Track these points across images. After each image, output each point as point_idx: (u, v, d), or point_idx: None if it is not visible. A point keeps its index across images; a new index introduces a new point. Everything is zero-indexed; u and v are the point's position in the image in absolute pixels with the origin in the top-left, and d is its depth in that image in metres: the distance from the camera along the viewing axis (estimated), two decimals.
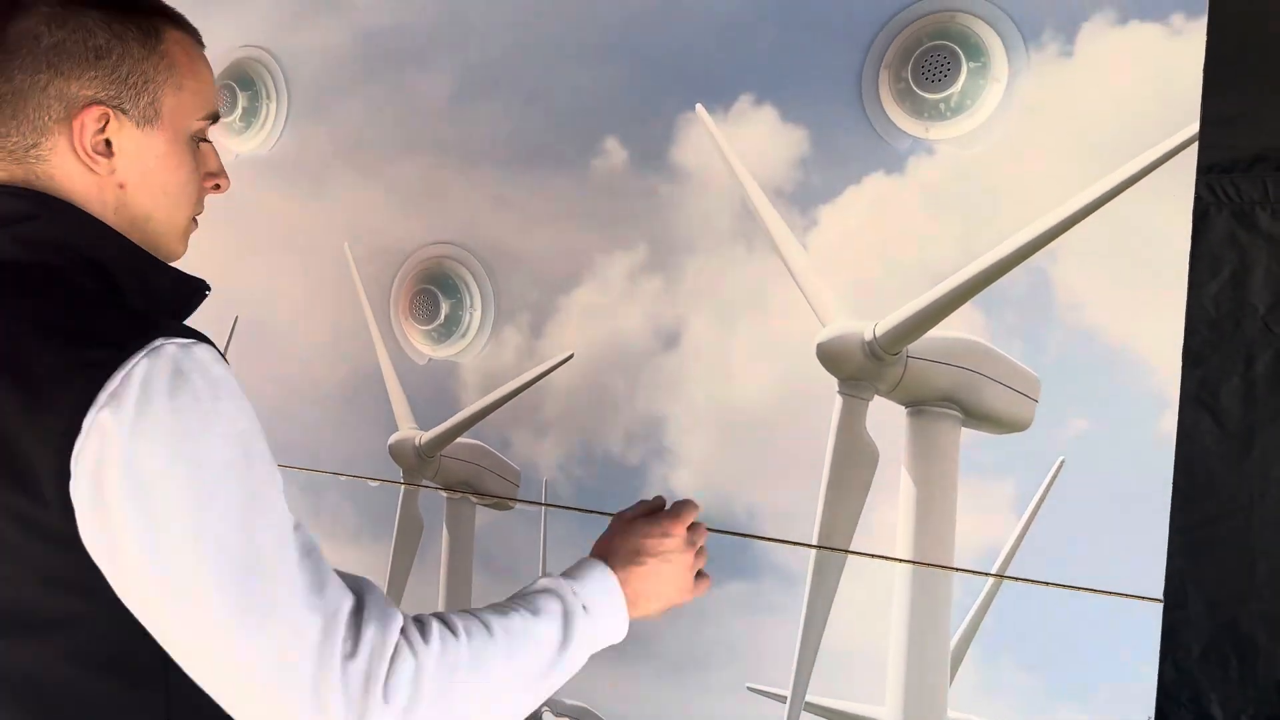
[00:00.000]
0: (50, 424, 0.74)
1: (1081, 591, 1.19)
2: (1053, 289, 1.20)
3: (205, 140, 0.95)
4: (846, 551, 1.31)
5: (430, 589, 1.60)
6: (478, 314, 1.54)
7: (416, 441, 1.60)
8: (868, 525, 1.29)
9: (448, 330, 1.55)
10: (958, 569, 1.25)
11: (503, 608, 0.89)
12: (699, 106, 1.38)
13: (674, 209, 1.40)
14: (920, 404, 1.26)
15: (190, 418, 0.75)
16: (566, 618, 0.90)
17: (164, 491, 0.73)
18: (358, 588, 0.80)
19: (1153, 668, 1.17)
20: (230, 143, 1.72)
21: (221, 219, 1.50)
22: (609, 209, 1.44)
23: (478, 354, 1.54)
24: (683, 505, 1.04)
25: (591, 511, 1.47)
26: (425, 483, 1.59)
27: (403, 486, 1.62)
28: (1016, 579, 1.22)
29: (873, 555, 1.29)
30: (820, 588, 1.32)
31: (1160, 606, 1.16)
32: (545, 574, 0.96)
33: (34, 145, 0.85)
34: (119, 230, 0.88)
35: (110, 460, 0.73)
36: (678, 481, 1.41)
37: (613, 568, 0.97)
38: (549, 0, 1.47)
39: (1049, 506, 1.21)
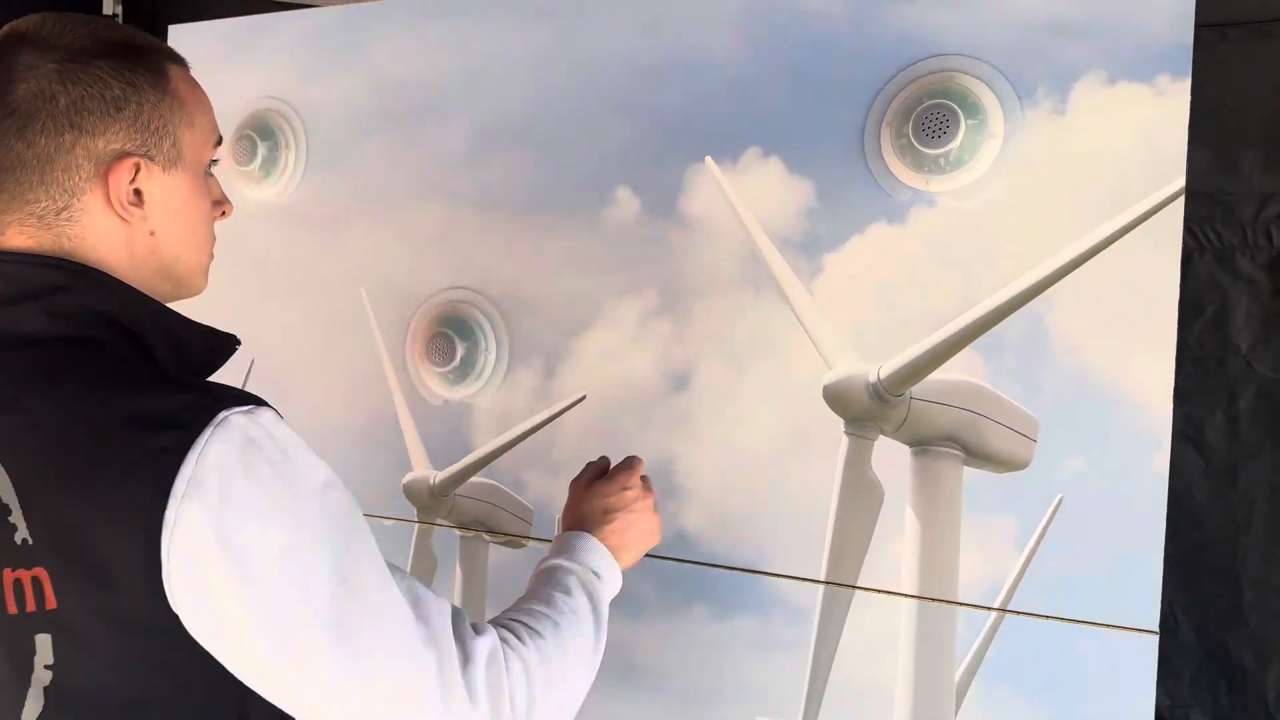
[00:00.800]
0: (129, 519, 0.74)
1: (1080, 624, 1.24)
2: (1049, 334, 1.26)
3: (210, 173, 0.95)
4: (854, 587, 1.35)
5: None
6: (492, 356, 1.58)
7: (431, 481, 1.64)
8: (874, 561, 1.34)
9: (463, 372, 1.59)
10: (961, 603, 1.30)
11: (540, 595, 0.95)
12: (708, 159, 1.44)
13: (684, 256, 1.45)
14: (924, 444, 1.32)
15: (272, 487, 0.77)
16: (587, 586, 0.97)
17: (264, 567, 0.75)
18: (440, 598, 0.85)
19: (1150, 698, 1.21)
20: (250, 191, 1.77)
21: (239, 264, 1.56)
22: (621, 256, 1.50)
23: (492, 395, 1.59)
24: (630, 460, 1.13)
25: None
26: (440, 521, 1.64)
27: (417, 525, 1.66)
28: (1018, 613, 1.27)
29: (879, 590, 1.34)
30: (828, 622, 1.37)
31: (1155, 639, 1.21)
32: (541, 562, 1.02)
33: (65, 208, 0.84)
34: (149, 278, 0.88)
35: (206, 550, 0.74)
36: (689, 518, 1.46)
37: (590, 532, 1.03)
38: (563, 56, 1.53)
39: (1048, 543, 1.26)
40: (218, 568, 0.75)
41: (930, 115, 1.30)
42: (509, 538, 1.58)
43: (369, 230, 1.68)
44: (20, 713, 0.80)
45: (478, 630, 0.84)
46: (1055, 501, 1.25)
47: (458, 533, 1.62)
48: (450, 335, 1.60)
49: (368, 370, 1.68)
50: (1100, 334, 1.24)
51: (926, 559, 1.32)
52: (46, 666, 0.79)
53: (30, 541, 0.78)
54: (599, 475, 1.13)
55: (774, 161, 1.40)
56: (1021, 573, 1.27)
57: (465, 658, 0.81)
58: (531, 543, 1.57)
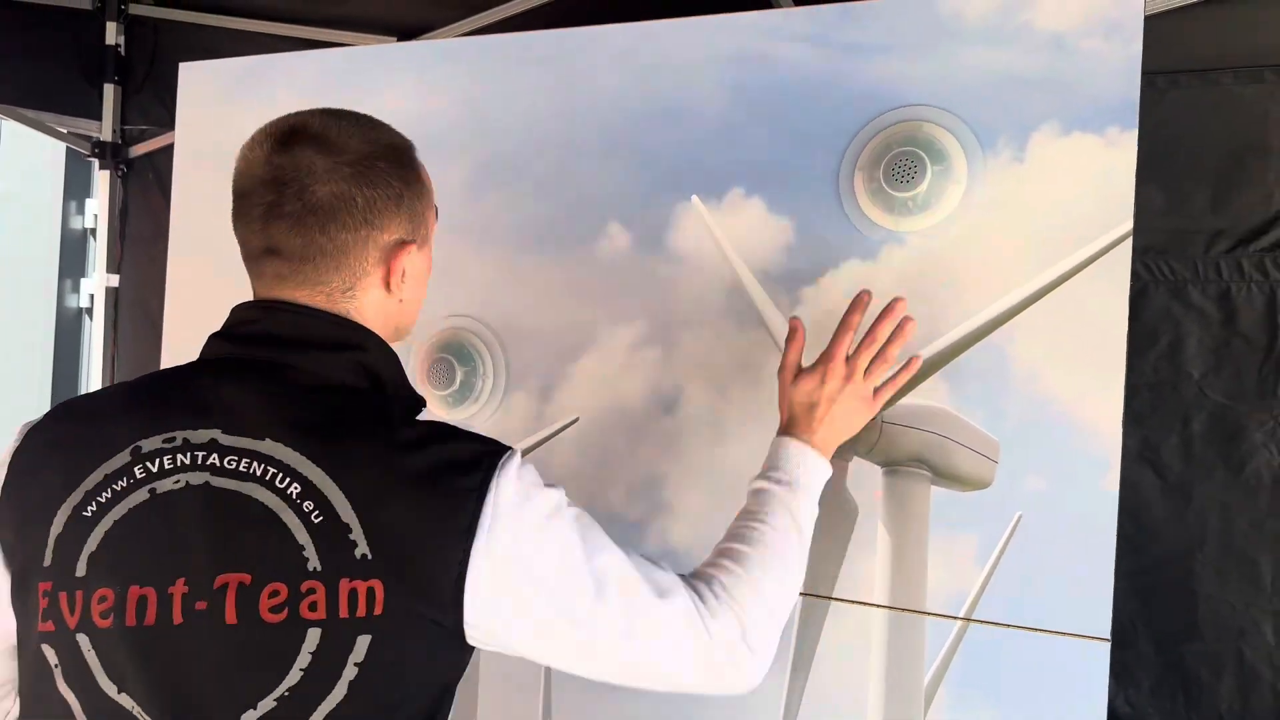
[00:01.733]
0: (448, 543, 0.93)
1: (1039, 632, 1.34)
2: (1009, 363, 1.36)
3: None
4: (830, 598, 1.45)
5: None
6: (490, 381, 1.68)
7: None
8: (849, 574, 1.44)
9: (462, 395, 1.69)
10: (929, 613, 1.40)
11: (744, 531, 1.15)
12: (695, 198, 1.54)
13: (672, 287, 1.55)
14: (894, 464, 1.42)
15: (540, 510, 0.98)
16: (784, 501, 1.17)
17: (543, 576, 0.96)
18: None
19: (1103, 701, 1.31)
20: None
21: (248, 292, 1.65)
22: (613, 287, 1.59)
23: (490, 417, 1.68)
24: (831, 349, 1.25)
25: None
26: None
27: None
28: (982, 621, 1.37)
29: (854, 601, 1.44)
30: (806, 631, 1.46)
31: (1107, 646, 1.30)
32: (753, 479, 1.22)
33: (350, 288, 1.01)
34: (384, 332, 1.04)
35: (508, 565, 0.94)
36: (675, 533, 1.55)
37: (798, 433, 1.20)
38: (561, 100, 1.63)
39: (1009, 557, 1.36)
40: (519, 578, 0.95)
41: (899, 161, 1.41)
42: None
43: None
44: (322, 702, 0.92)
45: (710, 581, 1.08)
46: (1015, 518, 1.36)
47: None
48: (450, 360, 1.69)
49: None
50: (1056, 363, 1.35)
51: (897, 572, 1.41)
52: (356, 664, 0.91)
53: (369, 556, 0.92)
54: (805, 370, 1.26)
55: (756, 201, 1.50)
56: (984, 584, 1.36)
57: (705, 612, 1.03)
58: None
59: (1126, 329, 1.32)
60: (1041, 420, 1.35)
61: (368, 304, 1.02)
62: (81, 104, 2.96)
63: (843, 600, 1.44)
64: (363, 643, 0.91)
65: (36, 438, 1.02)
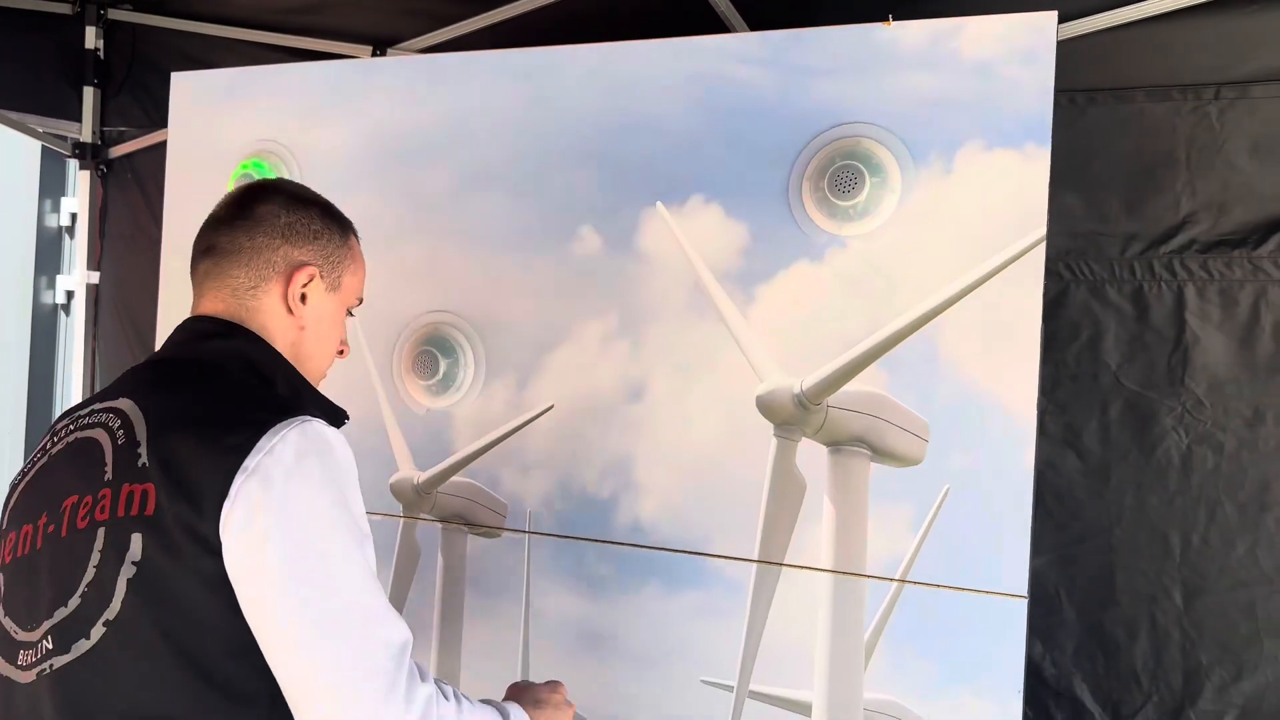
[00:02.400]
0: (215, 475, 1.02)
1: (966, 591, 1.51)
2: (938, 353, 1.53)
3: (349, 317, 1.29)
4: (781, 564, 1.61)
5: (427, 609, 1.86)
6: (471, 371, 1.82)
7: (415, 480, 1.87)
8: (798, 542, 1.60)
9: (445, 384, 1.83)
10: (869, 575, 1.56)
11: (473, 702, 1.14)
12: (659, 204, 1.69)
13: (639, 285, 1.71)
14: (838, 444, 1.58)
15: (311, 476, 1.03)
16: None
17: (294, 534, 1.02)
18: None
19: (1021, 650, 1.48)
20: None
21: None
22: (585, 285, 1.74)
23: (471, 405, 1.82)
24: (557, 684, 1.33)
25: (569, 537, 1.75)
26: (423, 516, 1.86)
27: (402, 520, 1.88)
28: (915, 583, 1.54)
29: (802, 567, 1.60)
30: (760, 594, 1.62)
31: (1025, 602, 1.48)
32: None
33: (254, 287, 1.18)
34: (293, 362, 1.19)
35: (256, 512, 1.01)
36: (643, 509, 1.70)
37: (525, 708, 1.22)
38: (538, 113, 1.77)
39: (939, 525, 1.53)
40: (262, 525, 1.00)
41: (842, 173, 1.57)
42: (485, 529, 1.82)
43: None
44: (113, 598, 1.03)
45: (425, 671, 1.06)
46: (944, 491, 1.53)
47: (439, 526, 1.85)
48: (434, 352, 1.83)
49: (358, 383, 1.90)
50: (980, 353, 1.52)
51: (840, 540, 1.58)
52: (134, 563, 1.02)
53: (146, 465, 1.04)
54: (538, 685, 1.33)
55: (714, 207, 1.66)
56: (917, 550, 1.53)
57: (412, 676, 1.03)
58: (506, 533, 1.80)
59: (1040, 323, 1.49)
60: (967, 404, 1.52)
61: (267, 311, 1.19)
62: (61, 106, 3.05)
63: (792, 566, 1.61)
64: (136, 540, 1.02)
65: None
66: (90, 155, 3.06)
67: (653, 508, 1.70)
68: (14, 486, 1.18)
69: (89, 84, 3.05)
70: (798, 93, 1.61)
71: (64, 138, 3.10)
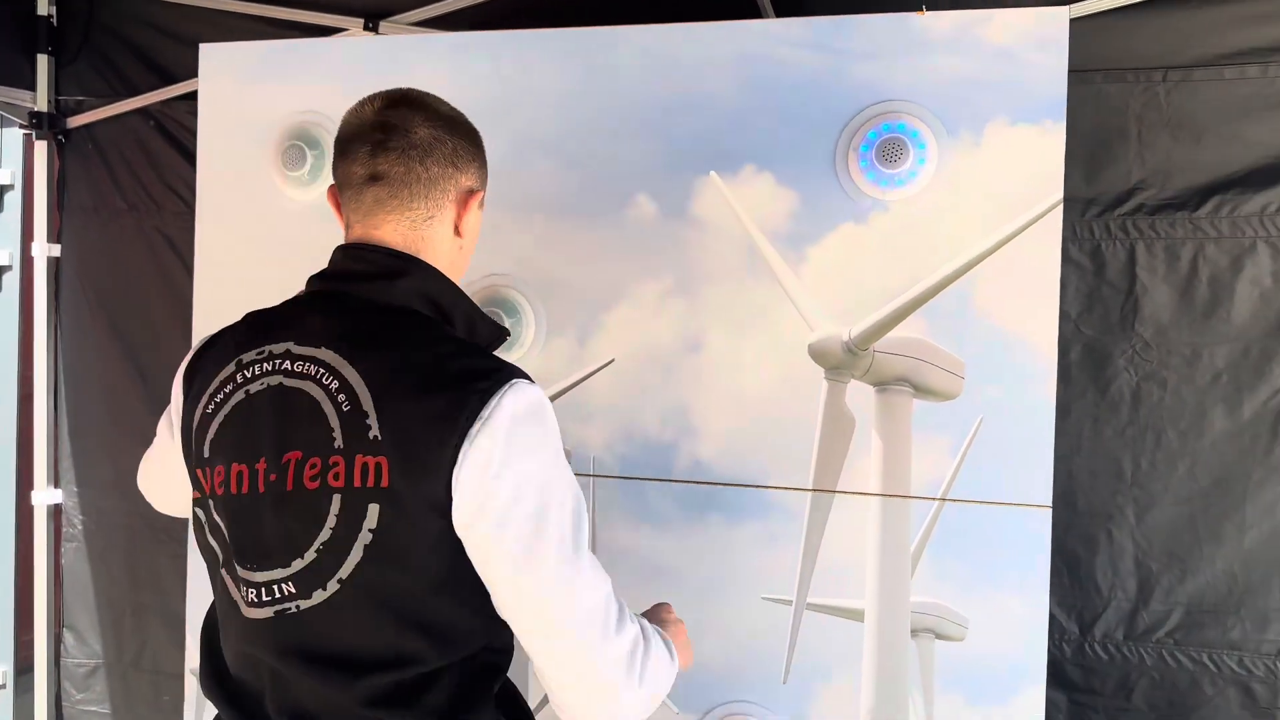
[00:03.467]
0: (447, 435, 1.11)
1: (999, 505, 1.76)
2: (971, 301, 1.77)
3: None
4: (834, 491, 1.83)
5: None
6: (533, 329, 1.96)
7: None
8: (849, 471, 1.82)
9: (509, 343, 1.96)
10: (913, 496, 1.79)
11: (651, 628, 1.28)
12: (713, 173, 1.87)
13: (694, 248, 1.88)
14: (884, 384, 1.80)
15: (531, 433, 1.14)
16: (669, 647, 1.31)
17: (527, 487, 1.13)
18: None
19: (1047, 546, 1.74)
20: (297, 194, 2.06)
21: (294, 255, 1.93)
22: (641, 247, 1.90)
23: (534, 360, 1.96)
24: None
25: (633, 478, 1.92)
26: None
27: None
28: (954, 500, 1.78)
29: (854, 492, 1.82)
30: (815, 519, 1.83)
31: (1049, 511, 1.74)
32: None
33: (431, 217, 1.24)
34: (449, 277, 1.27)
35: (488, 466, 1.11)
36: (702, 450, 1.89)
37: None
38: (592, 89, 1.91)
39: (973, 450, 1.77)
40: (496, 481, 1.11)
41: (889, 144, 1.78)
42: None
43: None
44: (348, 557, 1.14)
45: (628, 614, 1.21)
46: (978, 421, 1.77)
47: None
48: (499, 313, 1.95)
49: None
50: (1006, 301, 1.76)
51: (888, 467, 1.81)
52: (370, 529, 1.12)
53: (380, 438, 1.13)
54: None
55: (766, 175, 1.85)
56: (955, 472, 1.77)
57: (622, 615, 1.19)
58: None
59: (1059, 274, 1.74)
60: (996, 345, 1.76)
61: (437, 237, 1.25)
62: (14, 74, 2.97)
63: (844, 492, 1.82)
64: (373, 510, 1.12)
65: (196, 357, 1.31)
66: (47, 125, 3.00)
67: (712, 449, 1.88)
68: (203, 411, 1.23)
69: (42, 51, 2.98)
70: (840, 73, 1.81)
71: (12, 105, 3.02)
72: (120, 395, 3.00)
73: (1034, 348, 1.75)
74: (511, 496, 1.11)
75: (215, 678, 1.25)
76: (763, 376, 1.86)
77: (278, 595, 1.16)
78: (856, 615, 1.82)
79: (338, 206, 1.29)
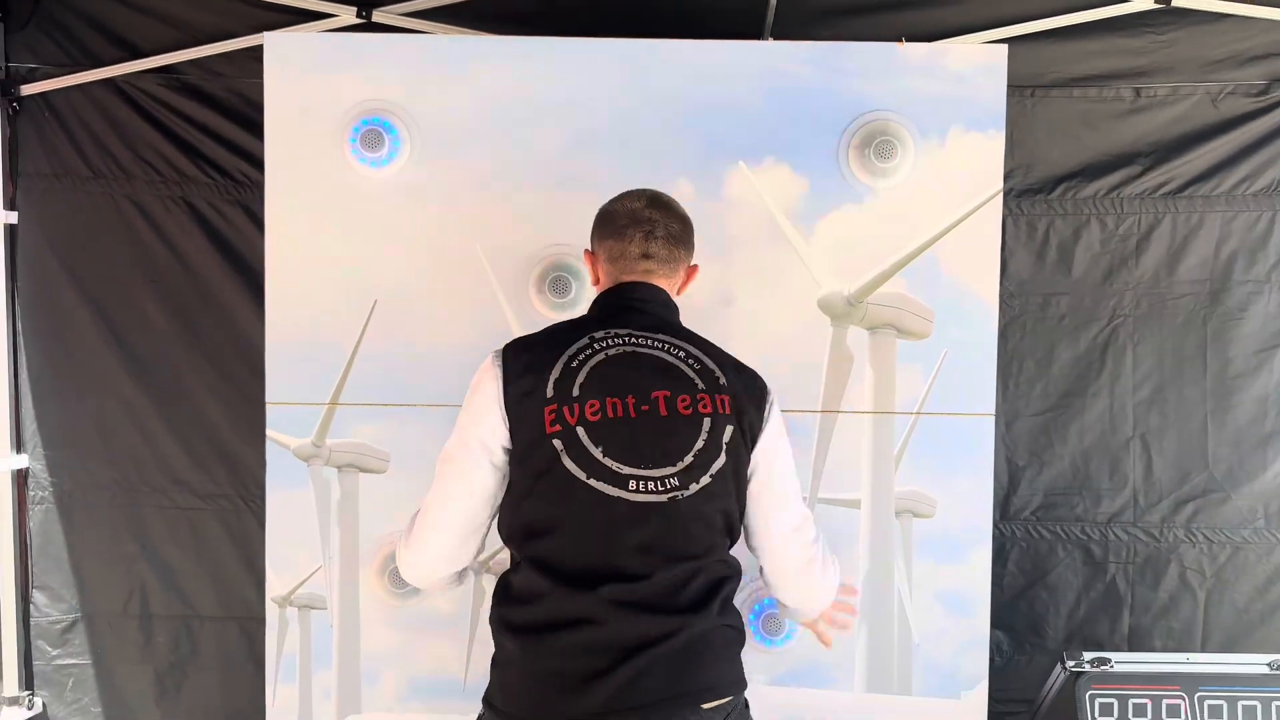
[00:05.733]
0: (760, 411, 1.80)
1: (959, 415, 2.37)
2: (939, 265, 2.36)
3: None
4: (837, 411, 2.38)
5: None
6: (589, 291, 2.36)
7: None
8: (850, 396, 2.38)
9: (575, 301, 2.36)
10: (896, 412, 2.38)
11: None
12: (741, 163, 2.35)
13: (727, 223, 2.36)
14: (875, 329, 2.37)
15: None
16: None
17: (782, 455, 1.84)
18: None
19: (990, 446, 2.38)
20: (373, 174, 2.34)
21: (372, 228, 2.34)
22: None
23: None
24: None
25: None
26: None
27: None
28: (926, 413, 2.38)
29: (852, 411, 2.38)
30: (824, 435, 2.39)
31: (993, 419, 2.37)
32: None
33: (675, 285, 1.90)
34: None
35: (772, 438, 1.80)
36: None
37: None
38: (639, 90, 2.33)
39: (940, 377, 2.37)
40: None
41: (883, 144, 2.33)
42: None
43: (482, 205, 2.35)
44: (713, 464, 1.71)
45: None
46: (943, 353, 2.37)
47: None
48: (567, 277, 2.35)
49: (482, 301, 2.36)
50: (964, 263, 2.36)
51: (878, 392, 2.38)
52: (725, 443, 1.72)
53: (725, 384, 1.77)
54: None
55: (784, 165, 2.35)
56: (928, 391, 2.37)
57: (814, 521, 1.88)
58: None
59: (999, 244, 2.37)
60: (958, 296, 2.37)
61: (673, 290, 1.89)
62: None
63: (845, 412, 2.38)
64: (729, 428, 1.72)
65: (509, 358, 1.76)
66: (1, 92, 3.01)
67: None
68: (565, 367, 1.70)
69: None
70: (841, 86, 2.34)
71: None
72: (90, 356, 3.08)
73: (982, 298, 2.37)
74: (778, 451, 1.84)
75: (565, 578, 1.67)
76: (782, 323, 2.37)
77: (667, 486, 1.66)
78: (854, 504, 2.40)
79: (593, 264, 1.91)
